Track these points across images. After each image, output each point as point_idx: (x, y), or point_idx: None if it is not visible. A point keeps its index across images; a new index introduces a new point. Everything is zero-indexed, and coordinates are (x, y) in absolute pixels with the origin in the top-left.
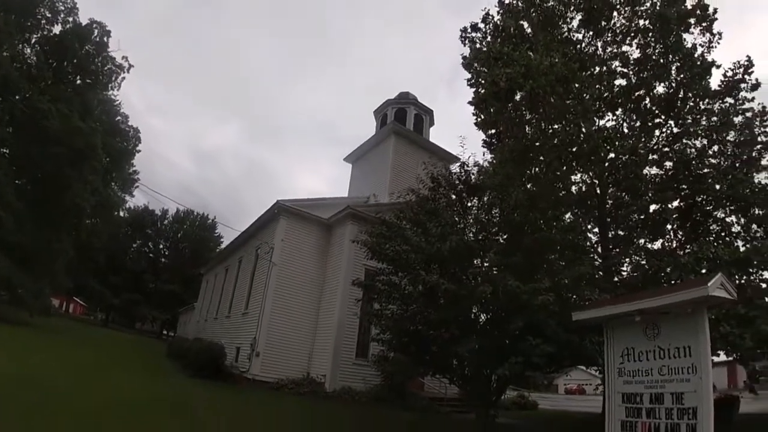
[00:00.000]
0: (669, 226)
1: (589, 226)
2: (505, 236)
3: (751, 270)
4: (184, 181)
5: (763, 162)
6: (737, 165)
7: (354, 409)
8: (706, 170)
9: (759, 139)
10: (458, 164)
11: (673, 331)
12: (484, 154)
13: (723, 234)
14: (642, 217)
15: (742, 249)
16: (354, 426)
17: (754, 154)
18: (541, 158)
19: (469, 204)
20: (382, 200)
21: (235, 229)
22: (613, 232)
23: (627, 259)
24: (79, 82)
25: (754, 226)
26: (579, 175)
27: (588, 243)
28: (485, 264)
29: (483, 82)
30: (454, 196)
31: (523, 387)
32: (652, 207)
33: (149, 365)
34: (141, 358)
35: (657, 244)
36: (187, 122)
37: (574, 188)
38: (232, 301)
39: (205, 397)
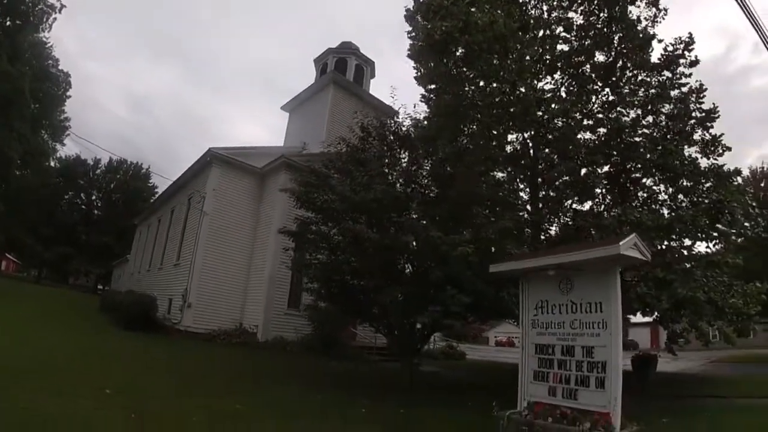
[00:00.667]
0: (598, 190)
1: (521, 186)
2: (433, 189)
3: (673, 237)
4: (118, 130)
5: (695, 137)
6: (669, 137)
7: (283, 358)
8: (638, 139)
9: (693, 114)
10: (394, 117)
11: (585, 287)
12: (421, 110)
13: (650, 201)
14: (570, 179)
15: (666, 216)
16: (279, 374)
17: (687, 128)
18: (477, 115)
19: (401, 156)
20: (318, 150)
21: (169, 179)
22: (543, 193)
23: (555, 219)
24: (9, 24)
25: (681, 196)
26: (515, 135)
27: (519, 201)
28: (414, 216)
29: (420, 35)
30: (384, 147)
31: (454, 338)
32: (583, 171)
33: (81, 320)
34: (72, 313)
35: (586, 206)
36: (121, 67)
37: (509, 148)
38: (165, 253)
39: (135, 348)
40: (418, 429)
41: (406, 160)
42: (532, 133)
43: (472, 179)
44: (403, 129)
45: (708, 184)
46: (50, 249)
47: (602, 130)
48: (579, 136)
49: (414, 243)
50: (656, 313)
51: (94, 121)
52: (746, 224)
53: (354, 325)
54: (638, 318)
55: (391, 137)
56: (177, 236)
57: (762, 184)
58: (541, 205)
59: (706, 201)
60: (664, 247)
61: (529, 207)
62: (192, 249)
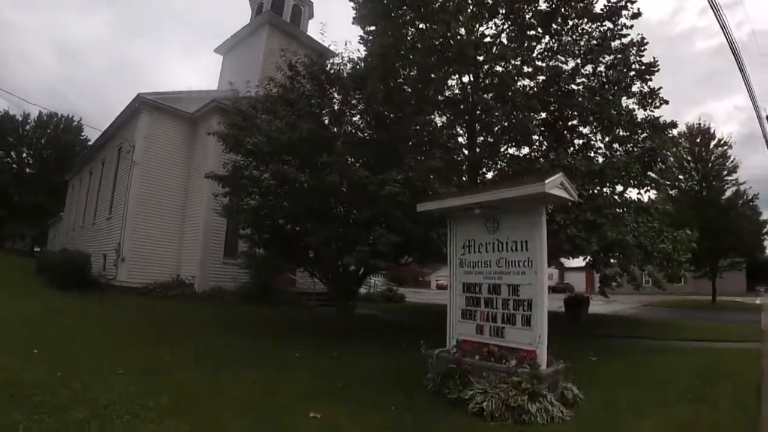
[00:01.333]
0: (535, 137)
1: (460, 131)
2: (365, 130)
3: (606, 183)
4: (48, 83)
5: (634, 89)
6: (607, 87)
7: (219, 308)
8: (576, 87)
9: (633, 66)
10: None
11: (512, 226)
12: (359, 50)
13: (585, 149)
14: (508, 124)
15: (599, 162)
16: (214, 323)
17: (626, 80)
18: (412, 57)
19: (334, 96)
20: (252, 93)
21: (100, 130)
22: (482, 138)
23: (493, 164)
24: None
25: (616, 145)
26: (454, 81)
27: (455, 144)
28: (344, 156)
29: None
30: (315, 87)
31: (395, 282)
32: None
33: (14, 284)
34: (5, 277)
35: (524, 152)
36: (49, 15)
37: (448, 93)
38: (97, 207)
39: (67, 307)
40: (350, 371)
41: (339, 100)
42: (471, 78)
43: (403, 121)
44: (336, 68)
45: (644, 135)
46: None
47: (542, 78)
48: (518, 83)
49: (343, 184)
50: (588, 257)
51: (23, 74)
52: (680, 177)
53: (293, 272)
54: (574, 263)
55: (323, 76)
56: (108, 189)
57: (698, 140)
58: (478, 150)
59: (640, 148)
60: (596, 192)
61: (466, 152)
62: (123, 201)
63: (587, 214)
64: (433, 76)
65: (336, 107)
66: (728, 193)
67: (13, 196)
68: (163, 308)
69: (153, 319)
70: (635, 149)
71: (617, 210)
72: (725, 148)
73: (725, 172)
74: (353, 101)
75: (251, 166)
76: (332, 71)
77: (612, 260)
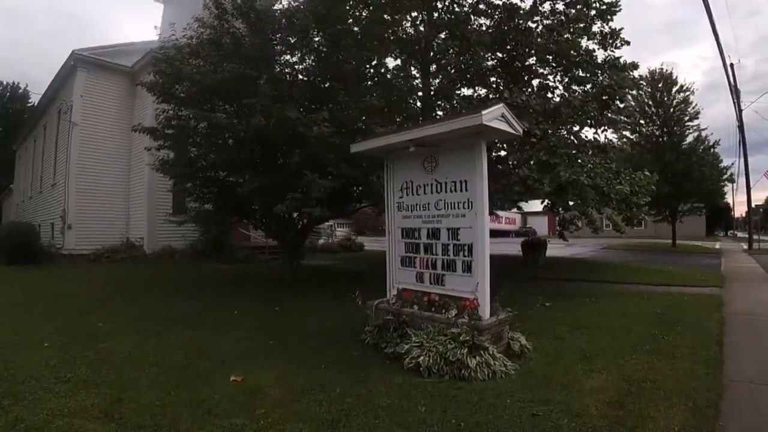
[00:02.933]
0: (492, 78)
1: (415, 72)
2: (300, 71)
3: (561, 122)
4: None
5: (594, 29)
6: (566, 25)
7: (168, 267)
8: (533, 25)
9: (594, 5)
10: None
11: (450, 165)
12: None
13: (543, 91)
14: (462, 66)
15: (555, 101)
16: (158, 284)
17: (587, 20)
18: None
19: (270, 36)
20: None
21: (41, 94)
22: (438, 80)
23: (448, 106)
24: None
25: (575, 86)
26: (409, 21)
27: (406, 85)
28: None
29: None
30: (245, 25)
31: (355, 231)
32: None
33: None
34: None
35: (482, 93)
36: None
37: (401, 34)
38: (42, 175)
39: (9, 279)
40: (288, 328)
41: (269, 39)
42: (425, 16)
43: (347, 62)
44: (268, 2)
45: (603, 76)
46: None
47: (498, 16)
48: (474, 21)
49: (270, 126)
50: (546, 200)
51: None
52: (641, 121)
53: (246, 227)
54: (537, 206)
55: (252, 14)
56: (51, 154)
57: (660, 85)
58: (432, 91)
59: (598, 87)
60: (550, 132)
61: (420, 93)
62: (65, 165)
63: (540, 155)
64: (386, 16)
65: (263, 45)
66: (689, 138)
67: None
68: (109, 273)
69: (94, 286)
70: (593, 89)
71: (573, 150)
72: (687, 93)
73: (687, 118)
74: (290, 40)
75: (181, 115)
76: (260, 6)
77: (570, 203)
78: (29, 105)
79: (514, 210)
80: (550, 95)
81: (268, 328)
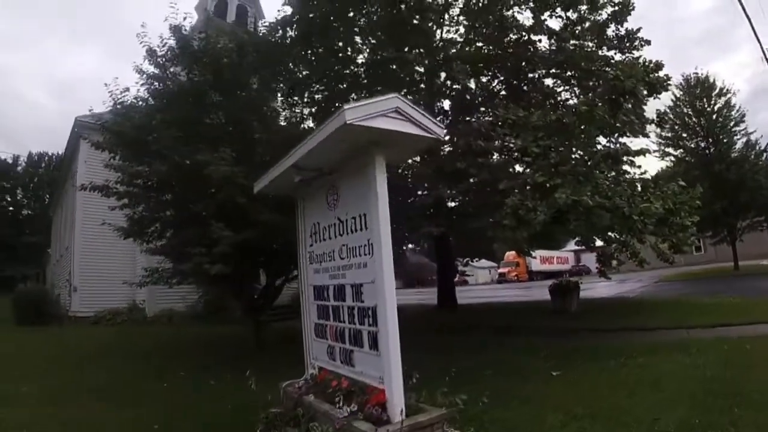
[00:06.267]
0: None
1: None
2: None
3: (565, 134)
4: (44, 120)
5: (608, 32)
6: (577, 32)
7: (159, 329)
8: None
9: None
10: None
11: (349, 195)
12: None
13: (546, 103)
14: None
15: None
16: (121, 351)
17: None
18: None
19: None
20: None
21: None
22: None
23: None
24: None
25: (586, 95)
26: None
27: None
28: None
29: None
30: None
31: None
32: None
33: None
34: None
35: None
36: (38, 53)
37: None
38: (61, 238)
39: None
40: (195, 408)
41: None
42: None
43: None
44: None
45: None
46: None
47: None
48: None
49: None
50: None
51: (20, 114)
52: (683, 135)
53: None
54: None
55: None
56: (68, 219)
57: (698, 92)
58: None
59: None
60: (552, 149)
61: None
62: (72, 230)
63: (536, 176)
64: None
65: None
66: (738, 145)
67: (9, 239)
68: (92, 336)
69: (62, 349)
70: (599, 88)
71: (584, 168)
72: (729, 96)
73: (732, 123)
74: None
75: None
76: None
77: (613, 236)
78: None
79: (563, 248)
80: (557, 108)
81: (177, 407)
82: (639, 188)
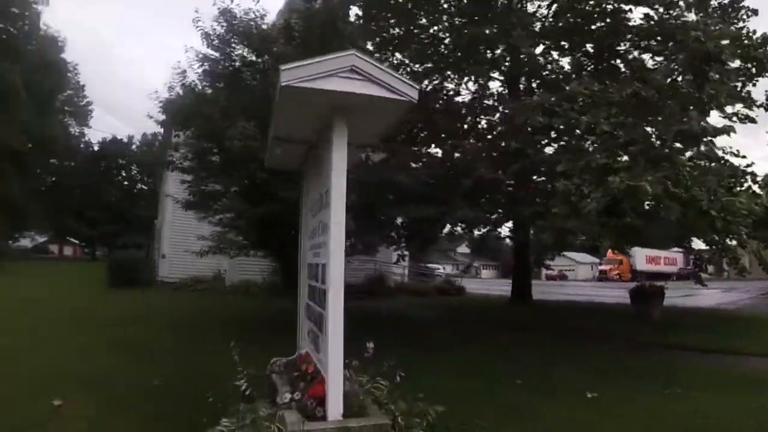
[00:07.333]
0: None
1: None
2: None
3: (645, 110)
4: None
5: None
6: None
7: (232, 299)
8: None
9: None
10: None
11: (322, 168)
12: None
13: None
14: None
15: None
16: (181, 315)
17: None
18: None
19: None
20: None
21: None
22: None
23: None
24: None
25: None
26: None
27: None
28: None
29: None
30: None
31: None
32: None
33: (85, 282)
34: (89, 276)
35: None
36: (160, 39)
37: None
38: (161, 208)
39: (81, 301)
40: (207, 367)
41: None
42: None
43: None
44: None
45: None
46: (96, 229)
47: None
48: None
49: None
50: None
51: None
52: None
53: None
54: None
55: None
56: (163, 193)
57: None
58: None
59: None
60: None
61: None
62: (163, 199)
63: (598, 157)
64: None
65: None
66: None
67: (125, 211)
68: (165, 300)
69: (121, 311)
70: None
71: (660, 149)
72: None
73: None
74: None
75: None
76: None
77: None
78: None
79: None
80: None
81: (192, 368)
82: (727, 178)
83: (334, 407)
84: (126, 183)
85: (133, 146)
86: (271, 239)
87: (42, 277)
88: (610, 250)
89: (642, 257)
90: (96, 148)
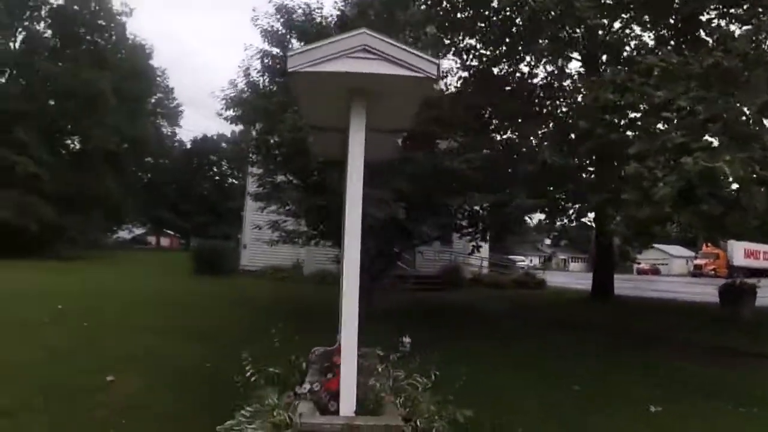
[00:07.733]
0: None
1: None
2: None
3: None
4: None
5: None
6: None
7: (305, 288)
8: None
9: None
10: None
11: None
12: None
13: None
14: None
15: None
16: (248, 302)
17: None
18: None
19: None
20: None
21: None
22: None
23: None
24: (88, 37)
25: None
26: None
27: None
28: None
29: None
30: None
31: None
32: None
33: (171, 271)
34: (177, 265)
35: None
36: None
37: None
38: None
39: (163, 287)
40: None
41: None
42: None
43: None
44: None
45: None
46: (190, 221)
47: None
48: None
49: None
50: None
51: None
52: None
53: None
54: None
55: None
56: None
57: None
58: None
59: None
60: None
61: None
62: (244, 193)
63: (675, 136)
64: None
65: None
66: None
67: (217, 204)
68: (235, 290)
69: (192, 297)
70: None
71: (744, 125)
72: None
73: None
74: None
75: None
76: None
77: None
78: None
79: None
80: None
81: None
82: None
83: (347, 403)
84: (217, 178)
85: (223, 144)
86: (333, 229)
87: (133, 265)
88: (705, 244)
89: (740, 251)
90: (188, 146)
